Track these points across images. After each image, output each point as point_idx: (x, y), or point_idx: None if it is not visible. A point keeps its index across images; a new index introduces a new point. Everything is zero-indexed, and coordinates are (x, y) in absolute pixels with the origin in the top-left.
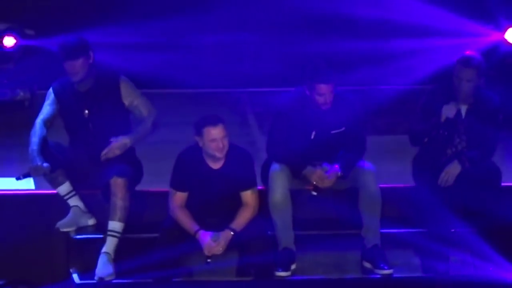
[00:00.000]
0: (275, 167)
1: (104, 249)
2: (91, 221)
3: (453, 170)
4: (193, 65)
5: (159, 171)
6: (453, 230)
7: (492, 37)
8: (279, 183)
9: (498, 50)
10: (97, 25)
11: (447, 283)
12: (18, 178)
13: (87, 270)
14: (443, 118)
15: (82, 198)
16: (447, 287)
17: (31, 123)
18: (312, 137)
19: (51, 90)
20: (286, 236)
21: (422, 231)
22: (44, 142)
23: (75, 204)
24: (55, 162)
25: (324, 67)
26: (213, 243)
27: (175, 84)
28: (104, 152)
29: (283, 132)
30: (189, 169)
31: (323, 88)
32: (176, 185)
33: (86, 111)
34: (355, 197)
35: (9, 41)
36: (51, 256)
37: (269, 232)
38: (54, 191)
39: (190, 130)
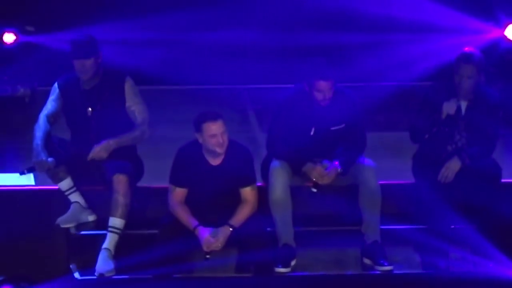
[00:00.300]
0: (275, 164)
1: (104, 245)
2: (91, 217)
3: (453, 166)
4: (193, 61)
5: (159, 168)
6: (453, 227)
7: (492, 33)
8: (279, 180)
9: (498, 47)
10: (97, 21)
11: (447, 280)
12: (22, 173)
13: (88, 266)
14: (444, 115)
15: (83, 194)
16: (447, 283)
17: (32, 120)
18: (312, 133)
19: (56, 85)
20: (286, 233)
21: (422, 227)
22: (47, 137)
23: (76, 200)
24: (58, 157)
25: (323, 64)
26: (211, 239)
27: (175, 80)
28: (90, 156)
29: (283, 128)
30: (188, 165)
31: (322, 84)
32: (176, 181)
33: (90, 109)
34: (355, 194)
35: (9, 38)
36: (51, 252)
37: (268, 229)
38: (55, 187)
39: (190, 127)
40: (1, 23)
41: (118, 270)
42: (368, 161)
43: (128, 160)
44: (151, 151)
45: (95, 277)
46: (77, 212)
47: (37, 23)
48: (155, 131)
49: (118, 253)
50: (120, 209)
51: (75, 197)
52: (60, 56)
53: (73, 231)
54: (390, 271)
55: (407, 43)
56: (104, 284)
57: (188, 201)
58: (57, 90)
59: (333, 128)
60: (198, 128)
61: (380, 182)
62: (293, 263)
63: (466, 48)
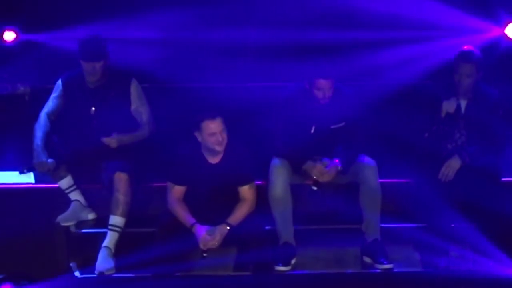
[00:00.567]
0: (275, 162)
1: (104, 243)
2: (91, 216)
3: (453, 165)
4: (192, 60)
5: (158, 166)
6: (453, 225)
7: (492, 32)
8: (279, 178)
9: (499, 46)
10: (97, 19)
11: (446, 278)
12: (21, 172)
13: (88, 264)
14: (443, 113)
15: (83, 193)
16: (447, 282)
17: (32, 118)
18: (312, 131)
19: (59, 82)
20: (286, 231)
21: (422, 226)
22: (48, 137)
23: (76, 198)
24: (58, 156)
25: (323, 63)
26: (208, 237)
27: (177, 78)
28: (105, 139)
29: (283, 127)
30: (187, 163)
31: (322, 83)
32: (174, 179)
33: (93, 108)
34: (355, 192)
35: (9, 36)
36: (51, 250)
37: (268, 227)
38: (55, 185)
39: (189, 125)
40: (1, 21)
41: (118, 268)
42: (368, 159)
43: (131, 159)
44: (149, 149)
45: (95, 275)
46: (77, 210)
47: (37, 21)
48: (156, 129)
49: (118, 251)
50: (121, 207)
51: (75, 196)
52: (60, 54)
53: (73, 229)
54: (390, 269)
55: (407, 42)
56: (104, 282)
57: (187, 199)
58: (61, 87)
59: (333, 127)
60: (197, 127)
61: (380, 181)
62: (293, 261)
63: (465, 47)
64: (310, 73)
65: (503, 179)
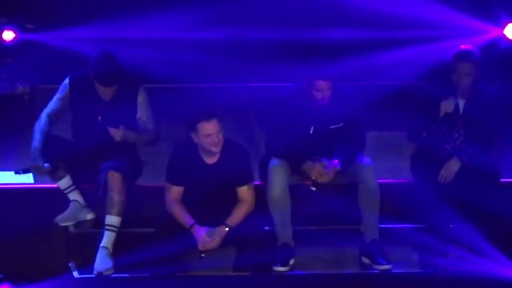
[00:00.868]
0: (274, 162)
1: (102, 244)
2: (90, 216)
3: (452, 166)
4: (191, 60)
5: (156, 166)
6: (451, 226)
7: (491, 33)
8: (278, 178)
9: (497, 46)
10: (96, 19)
11: (445, 279)
12: (17, 172)
13: (86, 264)
14: (442, 113)
15: (82, 193)
16: (446, 282)
17: (31, 117)
18: (311, 132)
19: (67, 81)
20: (284, 231)
21: (421, 226)
22: (46, 138)
23: (75, 198)
24: (56, 156)
25: (322, 64)
26: (207, 238)
27: (173, 79)
28: (112, 130)
29: (282, 127)
30: (184, 163)
31: (321, 84)
32: (172, 179)
33: (100, 117)
34: (354, 192)
35: (8, 35)
36: (50, 250)
37: (267, 228)
38: (54, 185)
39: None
40: (1, 21)
41: (116, 268)
42: (367, 159)
43: (127, 159)
44: (150, 149)
45: (93, 276)
46: (76, 210)
47: (36, 21)
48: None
49: (116, 251)
50: (116, 206)
51: (74, 196)
52: (59, 54)
53: (72, 229)
54: (389, 270)
55: (406, 42)
56: (102, 282)
57: (185, 200)
58: (68, 88)
59: (332, 127)
60: (193, 128)
61: (379, 181)
62: (291, 262)
63: (463, 46)
64: (309, 73)
65: (502, 180)
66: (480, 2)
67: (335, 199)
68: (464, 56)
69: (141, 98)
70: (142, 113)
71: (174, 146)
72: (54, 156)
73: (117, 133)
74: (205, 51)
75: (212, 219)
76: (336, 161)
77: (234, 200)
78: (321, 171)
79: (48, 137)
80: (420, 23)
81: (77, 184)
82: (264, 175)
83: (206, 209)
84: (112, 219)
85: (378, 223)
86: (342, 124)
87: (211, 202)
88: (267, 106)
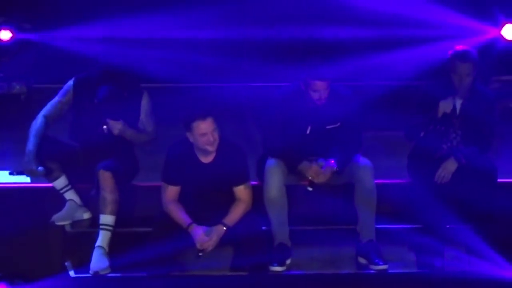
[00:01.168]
0: (271, 162)
1: (98, 243)
2: (86, 215)
3: (449, 167)
4: (188, 59)
5: (153, 165)
6: (448, 226)
7: (489, 33)
8: (275, 178)
9: (495, 46)
10: (93, 19)
11: (442, 279)
12: (11, 173)
13: (83, 264)
14: (440, 113)
15: (78, 192)
16: (442, 283)
17: (27, 117)
18: (308, 132)
19: (71, 83)
20: (281, 231)
21: (418, 227)
22: (41, 141)
23: (71, 198)
24: (50, 158)
25: (319, 64)
26: (205, 237)
27: (172, 78)
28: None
29: (279, 127)
30: (180, 163)
31: (318, 84)
32: (168, 179)
33: (105, 127)
34: (350, 193)
35: (5, 35)
36: (46, 249)
37: (264, 227)
38: (50, 185)
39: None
40: None
41: (113, 268)
42: (363, 160)
43: (122, 158)
44: (147, 148)
45: (90, 275)
46: (72, 209)
47: (33, 20)
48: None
49: (113, 251)
50: (109, 206)
51: (70, 195)
52: (56, 54)
53: (68, 228)
54: (385, 270)
55: (404, 42)
56: (99, 282)
57: (181, 199)
58: (71, 91)
59: (328, 127)
60: (188, 127)
61: (376, 181)
62: (288, 262)
63: (460, 46)
64: (306, 73)
65: (499, 180)
66: (478, 3)
67: (331, 199)
68: (463, 56)
69: (145, 102)
70: (143, 116)
71: (170, 146)
72: (49, 158)
73: (116, 126)
74: (202, 51)
75: (209, 219)
76: (332, 161)
77: (230, 199)
78: (318, 171)
79: (43, 139)
80: (418, 23)
81: (73, 183)
82: (261, 175)
83: (202, 209)
84: (106, 218)
85: (374, 223)
86: (339, 124)
87: (207, 202)
88: (264, 106)
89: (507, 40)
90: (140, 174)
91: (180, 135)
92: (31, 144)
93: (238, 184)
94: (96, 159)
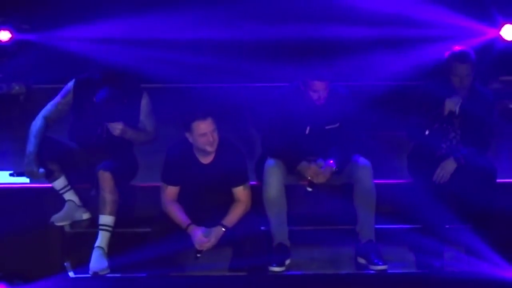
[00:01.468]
0: (270, 162)
1: (97, 244)
2: (85, 215)
3: (448, 167)
4: (188, 60)
5: (152, 165)
6: (447, 227)
7: (487, 33)
8: (274, 178)
9: (494, 47)
10: (92, 19)
11: (441, 279)
12: (11, 175)
13: (82, 264)
14: (446, 111)
15: (77, 193)
16: (442, 283)
17: (26, 118)
18: (307, 132)
19: (71, 84)
20: (280, 232)
21: (417, 227)
22: (42, 142)
23: (70, 198)
24: (51, 158)
25: (318, 64)
26: (204, 238)
27: (170, 79)
28: (111, 124)
29: (278, 127)
30: (179, 163)
31: (318, 85)
32: (167, 179)
33: (104, 130)
34: (350, 193)
35: (4, 35)
36: (45, 250)
37: (263, 228)
38: (49, 185)
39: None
40: None
41: (112, 268)
42: (363, 160)
43: (121, 159)
44: (146, 149)
45: (89, 275)
46: (71, 210)
47: (32, 21)
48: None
49: (112, 251)
50: (108, 206)
51: (69, 196)
52: (55, 54)
53: (67, 229)
54: (385, 270)
55: (403, 42)
56: (98, 282)
57: (180, 200)
58: (71, 93)
59: (327, 127)
60: (188, 128)
61: (375, 181)
62: (287, 262)
63: (457, 47)
64: (306, 73)
65: (498, 180)
66: (477, 3)
67: (331, 199)
68: (462, 57)
69: (144, 103)
70: (143, 117)
71: (169, 146)
72: (49, 159)
73: (117, 126)
74: (201, 52)
75: (208, 219)
76: (331, 161)
77: (229, 200)
78: (317, 172)
79: (43, 139)
80: (417, 24)
81: (73, 184)
82: (260, 175)
83: (201, 209)
84: (106, 219)
85: (374, 224)
86: (338, 124)
87: (206, 202)
88: (263, 106)
89: (506, 40)
90: (139, 174)
91: (179, 135)
92: (31, 145)
93: (237, 185)
94: (96, 160)
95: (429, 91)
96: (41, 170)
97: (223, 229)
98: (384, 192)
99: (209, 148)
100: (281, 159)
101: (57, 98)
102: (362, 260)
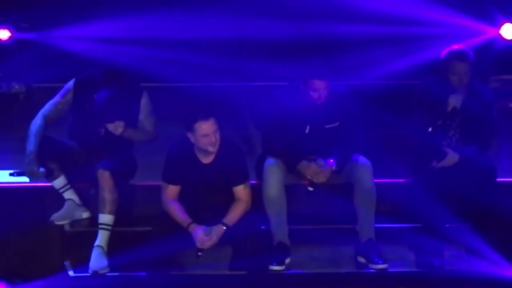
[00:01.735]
0: (270, 162)
1: (97, 243)
2: (85, 214)
3: (449, 159)
4: (188, 59)
5: (152, 165)
6: (447, 225)
7: (487, 32)
8: (274, 177)
9: (494, 46)
10: (92, 18)
11: (441, 278)
12: (12, 174)
13: (82, 263)
14: (449, 108)
15: (77, 192)
16: (441, 282)
17: (26, 116)
18: (307, 131)
19: (71, 84)
20: (280, 231)
21: (417, 226)
22: (42, 141)
23: (70, 197)
24: (51, 158)
25: (318, 63)
26: (205, 237)
27: (170, 78)
28: (109, 125)
29: (278, 126)
30: (180, 163)
31: (318, 84)
32: (168, 178)
33: (103, 130)
34: (350, 192)
35: (4, 34)
36: (45, 249)
37: (263, 227)
38: (49, 184)
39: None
40: None
41: (112, 267)
42: (363, 159)
43: (121, 158)
44: (146, 148)
45: (89, 274)
46: (71, 209)
47: (32, 19)
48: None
49: (112, 250)
50: (108, 205)
51: (69, 195)
52: (55, 53)
53: (67, 228)
54: (385, 269)
55: (403, 41)
56: (97, 281)
57: (181, 199)
58: (71, 92)
59: (327, 126)
60: (190, 128)
61: (375, 181)
62: (287, 261)
63: (456, 46)
64: (305, 72)
65: (498, 179)
66: (476, 2)
67: (331, 198)
68: (462, 55)
69: (144, 102)
70: (143, 116)
71: (170, 146)
72: (49, 158)
73: (118, 125)
74: (201, 51)
75: (208, 218)
76: (331, 160)
77: (230, 199)
78: (317, 171)
79: (43, 139)
80: (417, 23)
81: (72, 183)
82: (260, 175)
83: (202, 208)
84: (105, 218)
85: (374, 223)
86: (338, 123)
87: (207, 201)
88: (263, 105)
89: (506, 39)
90: (139, 173)
91: (179, 134)
92: (31, 145)
93: (237, 183)
94: (95, 159)
95: (429, 89)
96: (41, 169)
97: (224, 227)
98: (384, 191)
99: (211, 149)
100: (281, 158)
101: (57, 97)
102: (362, 259)
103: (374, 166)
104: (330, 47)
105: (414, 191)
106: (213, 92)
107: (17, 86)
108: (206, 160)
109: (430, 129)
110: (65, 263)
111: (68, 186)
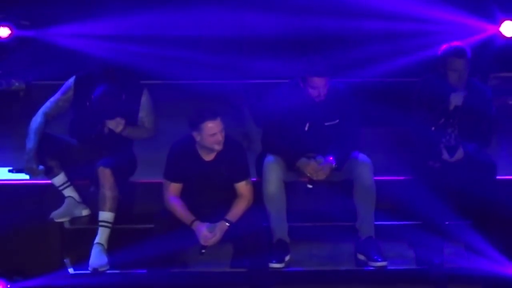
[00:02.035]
0: (270, 159)
1: (97, 240)
2: (85, 212)
3: (459, 154)
4: (188, 56)
5: (154, 162)
6: (447, 223)
7: (487, 30)
8: (274, 175)
9: (493, 43)
10: (93, 16)
11: (441, 276)
12: (11, 171)
13: (81, 261)
14: (452, 106)
15: (77, 189)
16: (441, 279)
17: (26, 114)
18: (306, 129)
19: (71, 81)
20: (280, 228)
21: (417, 223)
22: (41, 139)
23: (70, 194)
24: (50, 155)
25: (317, 60)
26: (209, 234)
27: (171, 75)
28: (109, 122)
29: (278, 123)
30: (182, 160)
31: (317, 81)
32: (170, 176)
33: (106, 128)
34: (349, 189)
35: (4, 32)
36: (45, 246)
37: (265, 224)
38: (49, 181)
39: (184, 121)
40: None
41: (113, 264)
42: (362, 156)
43: (121, 155)
44: (146, 145)
45: (88, 272)
46: (71, 206)
47: (32, 17)
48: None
49: (112, 248)
50: (108, 202)
51: (69, 192)
52: (55, 51)
53: (67, 225)
54: (384, 266)
55: (402, 38)
56: (97, 279)
57: (183, 196)
58: (72, 90)
59: (327, 124)
60: (196, 127)
61: (375, 178)
62: (287, 258)
63: (453, 43)
64: (305, 70)
65: (498, 177)
66: (476, 0)
67: (330, 196)
68: (460, 52)
69: (145, 99)
70: (144, 113)
71: (172, 143)
72: (48, 156)
73: (119, 122)
74: (200, 48)
75: (211, 215)
76: (331, 158)
77: (232, 195)
78: (316, 168)
79: (42, 136)
80: (417, 20)
81: (72, 180)
82: (260, 172)
83: (204, 205)
84: (105, 215)
85: (373, 220)
86: (337, 121)
87: (209, 198)
88: (263, 102)
89: (506, 37)
90: (139, 170)
91: (180, 132)
92: (31, 142)
93: (239, 180)
94: (95, 156)
95: (429, 86)
96: (41, 167)
97: (227, 224)
98: (384, 189)
99: (217, 147)
100: (281, 155)
101: (57, 95)
102: (361, 257)
103: (374, 164)
104: (330, 45)
105: (414, 188)
106: (213, 89)
107: (17, 84)
108: (208, 157)
109: (433, 128)
110: (65, 260)
111: (68, 184)
